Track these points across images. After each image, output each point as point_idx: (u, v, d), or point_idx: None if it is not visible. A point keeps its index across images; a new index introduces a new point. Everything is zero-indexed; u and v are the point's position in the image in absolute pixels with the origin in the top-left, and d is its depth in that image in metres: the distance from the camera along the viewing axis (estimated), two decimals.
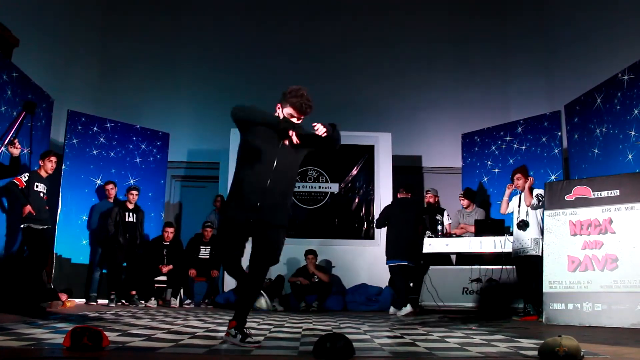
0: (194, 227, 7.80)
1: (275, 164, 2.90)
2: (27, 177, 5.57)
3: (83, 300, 6.69)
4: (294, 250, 7.01)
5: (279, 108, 2.96)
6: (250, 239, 2.94)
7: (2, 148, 5.04)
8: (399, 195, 6.50)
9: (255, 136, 2.92)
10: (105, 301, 6.54)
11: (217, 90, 8.97)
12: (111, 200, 7.03)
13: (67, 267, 6.78)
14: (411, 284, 6.45)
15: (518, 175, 5.60)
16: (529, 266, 5.39)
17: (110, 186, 6.99)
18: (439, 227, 6.53)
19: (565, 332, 2.87)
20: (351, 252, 7.66)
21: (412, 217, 6.29)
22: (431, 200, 6.97)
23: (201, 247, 7.30)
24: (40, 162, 5.88)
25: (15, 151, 4.99)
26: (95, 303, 6.51)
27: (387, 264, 6.25)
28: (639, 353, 2.78)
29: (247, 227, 2.89)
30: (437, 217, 6.78)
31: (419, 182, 8.91)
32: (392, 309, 6.18)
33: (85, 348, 2.38)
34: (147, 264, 6.97)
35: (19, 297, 5.04)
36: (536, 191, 5.50)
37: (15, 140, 4.99)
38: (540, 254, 5.20)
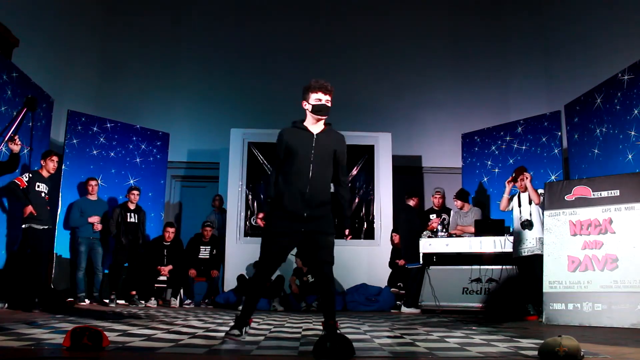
0: (194, 227, 7.81)
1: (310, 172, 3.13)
2: (28, 177, 5.57)
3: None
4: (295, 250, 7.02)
5: (305, 105, 3.19)
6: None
7: (2, 145, 5.03)
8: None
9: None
10: (106, 301, 6.53)
11: (217, 91, 8.98)
12: (91, 197, 6.84)
13: (67, 267, 6.77)
14: (399, 284, 6.96)
15: (522, 177, 5.58)
16: (533, 265, 5.38)
17: (93, 182, 6.85)
18: (439, 227, 6.55)
19: (565, 332, 2.87)
20: (351, 252, 7.64)
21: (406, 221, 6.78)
22: (435, 202, 7.02)
23: (201, 247, 7.31)
24: (41, 162, 5.88)
25: (16, 147, 4.98)
26: (83, 303, 6.41)
27: None
28: (639, 353, 2.77)
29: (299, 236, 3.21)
30: (431, 217, 6.84)
31: (419, 182, 8.91)
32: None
33: (85, 348, 2.37)
34: (147, 264, 6.97)
35: (46, 294, 5.09)
36: (539, 191, 5.51)
37: (16, 137, 4.98)
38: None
